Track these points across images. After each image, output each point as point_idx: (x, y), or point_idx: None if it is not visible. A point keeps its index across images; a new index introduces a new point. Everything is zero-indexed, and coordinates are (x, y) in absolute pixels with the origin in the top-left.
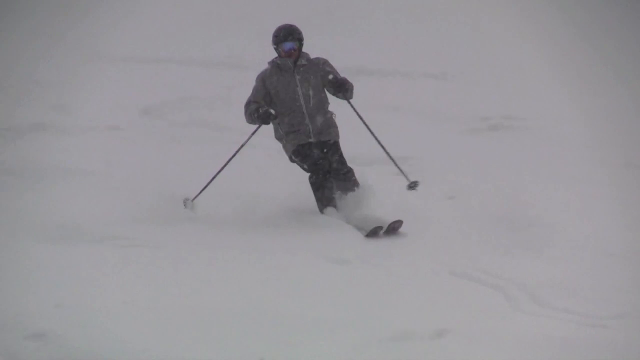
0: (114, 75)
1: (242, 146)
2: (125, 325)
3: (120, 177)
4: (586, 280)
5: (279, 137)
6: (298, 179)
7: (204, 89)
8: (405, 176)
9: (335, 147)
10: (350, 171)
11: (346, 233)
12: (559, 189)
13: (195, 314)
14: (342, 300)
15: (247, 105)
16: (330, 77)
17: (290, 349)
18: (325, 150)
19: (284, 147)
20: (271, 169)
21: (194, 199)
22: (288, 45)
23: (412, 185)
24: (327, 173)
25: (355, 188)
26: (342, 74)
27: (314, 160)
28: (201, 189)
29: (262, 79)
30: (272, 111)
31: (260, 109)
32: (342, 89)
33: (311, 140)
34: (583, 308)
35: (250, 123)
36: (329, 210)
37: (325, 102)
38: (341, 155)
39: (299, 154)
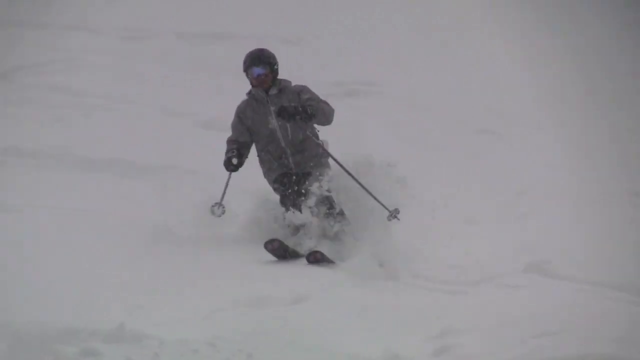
0: None
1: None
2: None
3: None
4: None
5: (263, 174)
6: None
7: (60, 53)
8: (385, 207)
9: (325, 195)
10: (340, 213)
11: None
12: (415, 154)
13: (54, 277)
14: None
15: (227, 143)
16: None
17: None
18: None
19: (267, 179)
20: None
21: (220, 203)
22: (256, 70)
23: (393, 214)
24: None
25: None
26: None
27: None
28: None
29: (238, 114)
30: (234, 161)
31: (228, 153)
32: (303, 115)
33: (292, 171)
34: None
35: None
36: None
37: (309, 131)
38: (332, 202)
39: (280, 181)
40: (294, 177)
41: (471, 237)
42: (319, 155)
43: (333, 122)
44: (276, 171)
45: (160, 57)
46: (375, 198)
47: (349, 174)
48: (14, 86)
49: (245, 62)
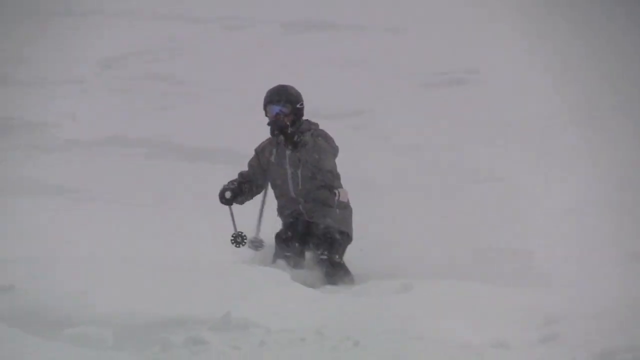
0: (74, 29)
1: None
2: (87, 279)
3: (82, 130)
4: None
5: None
6: None
7: (161, 42)
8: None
9: (329, 236)
10: (342, 268)
11: None
12: (515, 146)
13: (158, 267)
14: None
15: (238, 175)
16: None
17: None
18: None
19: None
20: None
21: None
22: (275, 108)
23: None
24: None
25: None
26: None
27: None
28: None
29: (257, 152)
30: (227, 194)
31: (228, 184)
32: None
33: (305, 219)
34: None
35: None
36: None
37: (324, 183)
38: (336, 249)
39: (289, 226)
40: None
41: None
42: (340, 207)
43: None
44: (287, 216)
45: (264, 46)
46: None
47: None
48: (119, 75)
49: (265, 98)
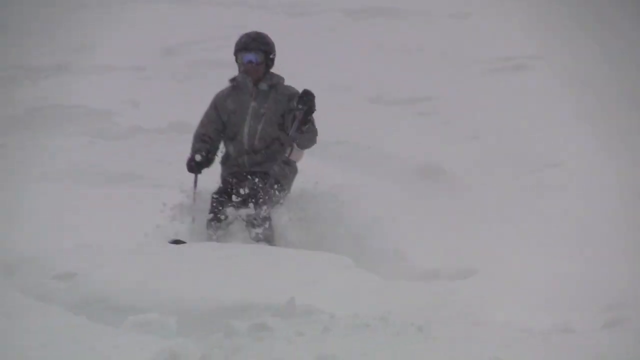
0: (135, 15)
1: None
2: (150, 267)
3: (145, 117)
4: (598, 220)
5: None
6: None
7: (224, 29)
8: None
9: (261, 186)
10: (266, 222)
11: None
12: (579, 130)
13: (221, 254)
14: None
15: (194, 138)
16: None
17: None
18: (256, 180)
19: (221, 172)
20: None
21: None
22: (248, 56)
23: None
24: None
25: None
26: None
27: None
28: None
29: (215, 104)
30: (198, 157)
31: (194, 149)
32: (305, 99)
33: (246, 170)
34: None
35: None
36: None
37: (280, 139)
38: (265, 201)
39: (227, 182)
40: (248, 177)
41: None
42: (287, 164)
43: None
44: (228, 169)
45: (327, 33)
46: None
47: None
48: (179, 62)
49: (237, 43)
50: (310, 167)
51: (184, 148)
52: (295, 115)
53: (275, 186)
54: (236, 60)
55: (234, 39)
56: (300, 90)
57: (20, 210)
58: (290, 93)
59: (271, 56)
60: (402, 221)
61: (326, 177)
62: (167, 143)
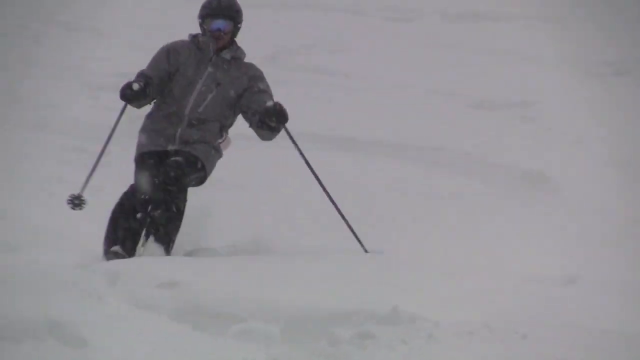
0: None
1: (113, 130)
2: (239, 275)
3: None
4: None
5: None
6: None
7: (324, 35)
8: (362, 245)
9: (190, 163)
10: (171, 204)
11: None
12: None
13: (327, 261)
14: None
15: (137, 75)
16: (269, 103)
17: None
18: (177, 160)
19: (137, 142)
20: None
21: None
22: (216, 23)
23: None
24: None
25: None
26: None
27: (150, 175)
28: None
29: (168, 50)
30: (135, 86)
31: (134, 81)
32: (280, 119)
33: (170, 148)
34: None
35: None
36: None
37: (223, 121)
38: (185, 179)
39: (142, 161)
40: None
41: None
42: (214, 149)
43: None
44: (149, 144)
45: (424, 38)
46: (353, 233)
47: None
48: (281, 67)
49: (204, 7)
50: (413, 174)
51: (284, 154)
52: (264, 122)
53: (197, 168)
54: (201, 25)
55: (335, 44)
56: (264, 80)
57: None
58: (252, 74)
59: (239, 25)
60: (505, 228)
61: (434, 185)
62: (266, 148)
